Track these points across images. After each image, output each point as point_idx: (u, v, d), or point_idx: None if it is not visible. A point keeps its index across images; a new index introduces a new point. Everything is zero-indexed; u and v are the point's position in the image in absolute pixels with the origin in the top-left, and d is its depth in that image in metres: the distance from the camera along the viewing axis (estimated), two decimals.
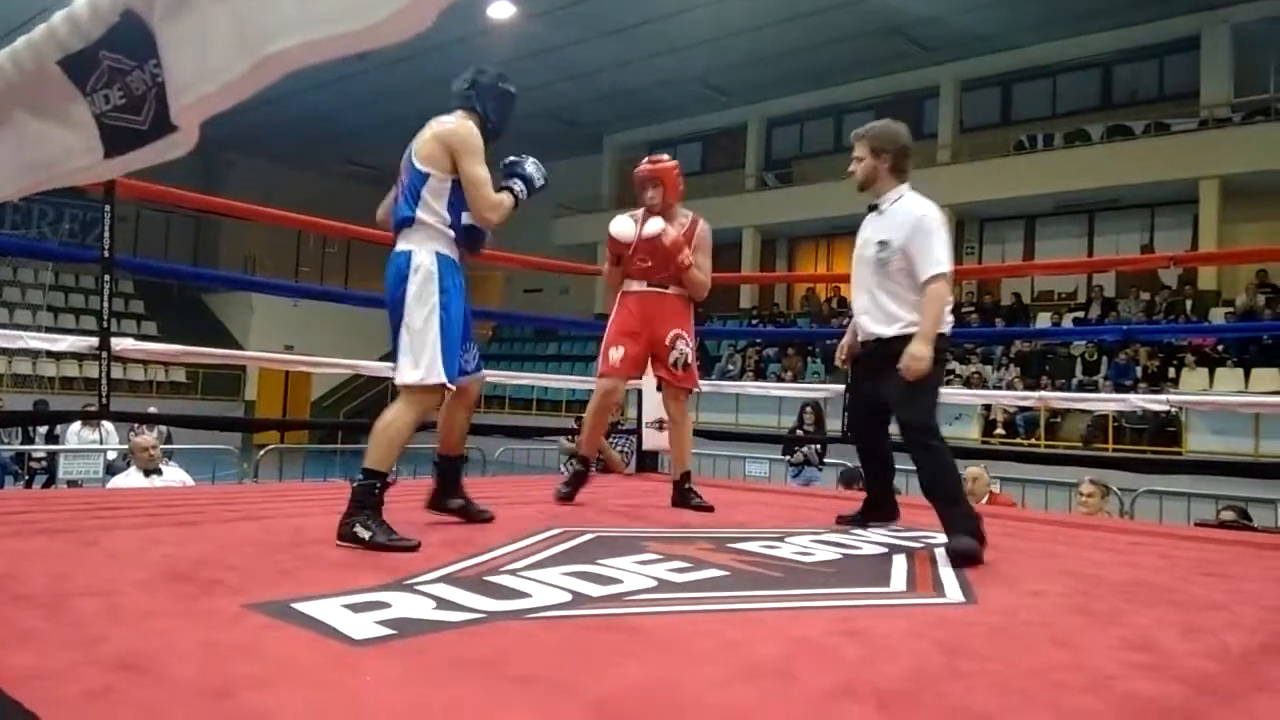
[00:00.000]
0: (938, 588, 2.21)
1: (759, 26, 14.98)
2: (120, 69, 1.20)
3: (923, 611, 2.00)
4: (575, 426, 6.53)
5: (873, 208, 3.01)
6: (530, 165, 2.84)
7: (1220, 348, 12.06)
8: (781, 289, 19.24)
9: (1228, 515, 5.79)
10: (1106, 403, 9.01)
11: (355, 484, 2.46)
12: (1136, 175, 14.03)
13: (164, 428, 8.47)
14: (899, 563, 2.51)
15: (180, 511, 3.11)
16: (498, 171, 2.76)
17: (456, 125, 2.69)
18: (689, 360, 3.75)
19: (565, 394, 16.91)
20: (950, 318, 2.93)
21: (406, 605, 1.74)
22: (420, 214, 2.63)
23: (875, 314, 2.94)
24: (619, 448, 6.19)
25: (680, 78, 17.60)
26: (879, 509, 3.26)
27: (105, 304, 3.61)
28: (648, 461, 5.50)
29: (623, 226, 3.75)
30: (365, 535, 2.36)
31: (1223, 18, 14.25)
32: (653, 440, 5.34)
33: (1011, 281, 16.03)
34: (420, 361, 2.55)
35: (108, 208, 3.55)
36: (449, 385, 2.60)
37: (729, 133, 20.46)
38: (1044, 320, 14.52)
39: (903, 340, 2.79)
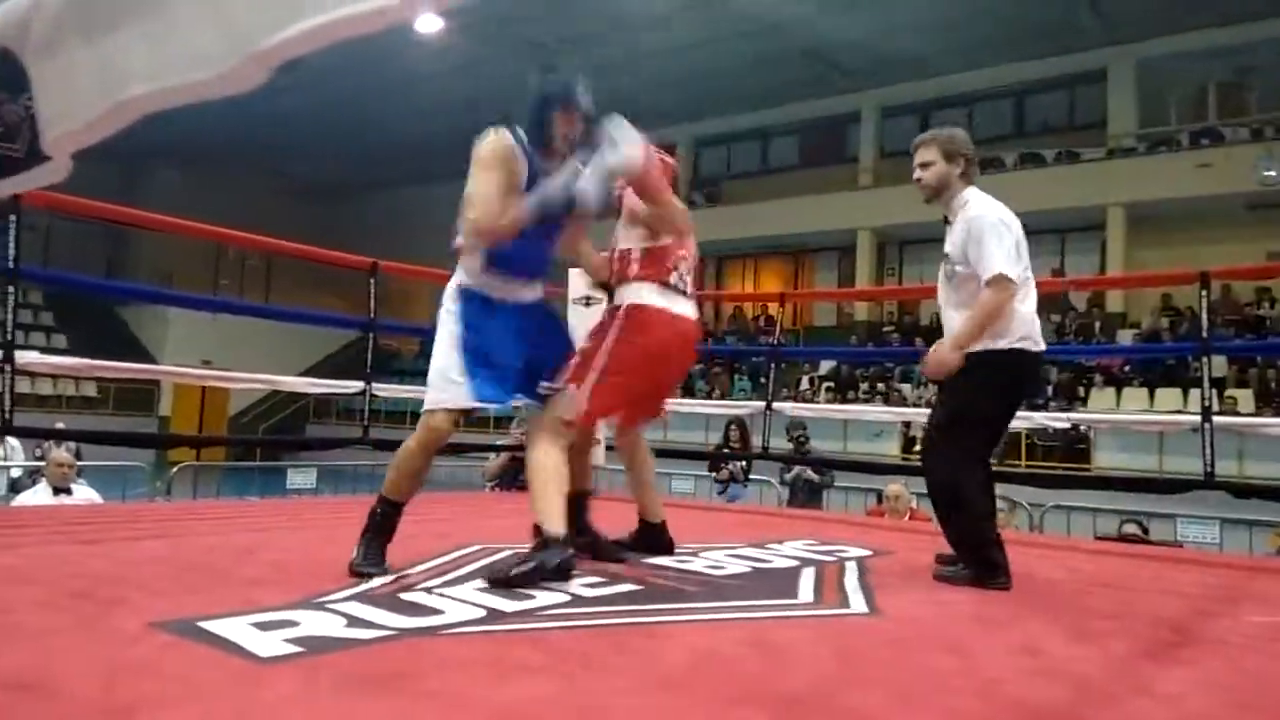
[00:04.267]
0: (843, 599, 2.28)
1: (688, 48, 15.21)
2: None
3: (827, 622, 2.07)
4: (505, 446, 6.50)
5: (946, 220, 2.77)
6: (577, 182, 2.45)
7: (1127, 368, 12.59)
8: (709, 306, 19.44)
9: (1129, 529, 6.06)
10: (1017, 420, 9.31)
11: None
12: (1047, 201, 14.58)
13: (73, 444, 8.17)
14: (808, 575, 2.58)
15: (86, 529, 3.03)
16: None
17: (480, 144, 2.48)
18: None
19: (493, 410, 16.75)
20: (1026, 332, 2.61)
21: (316, 623, 1.73)
22: (459, 241, 2.51)
23: (949, 332, 2.66)
24: None
25: (609, 97, 17.68)
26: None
27: (9, 316, 3.51)
28: None
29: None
30: (355, 558, 2.30)
31: (1130, 52, 14.96)
32: None
33: (931, 302, 16.42)
34: (436, 384, 2.43)
35: (12, 218, 3.45)
36: (454, 408, 2.41)
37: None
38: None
39: (970, 359, 2.55)
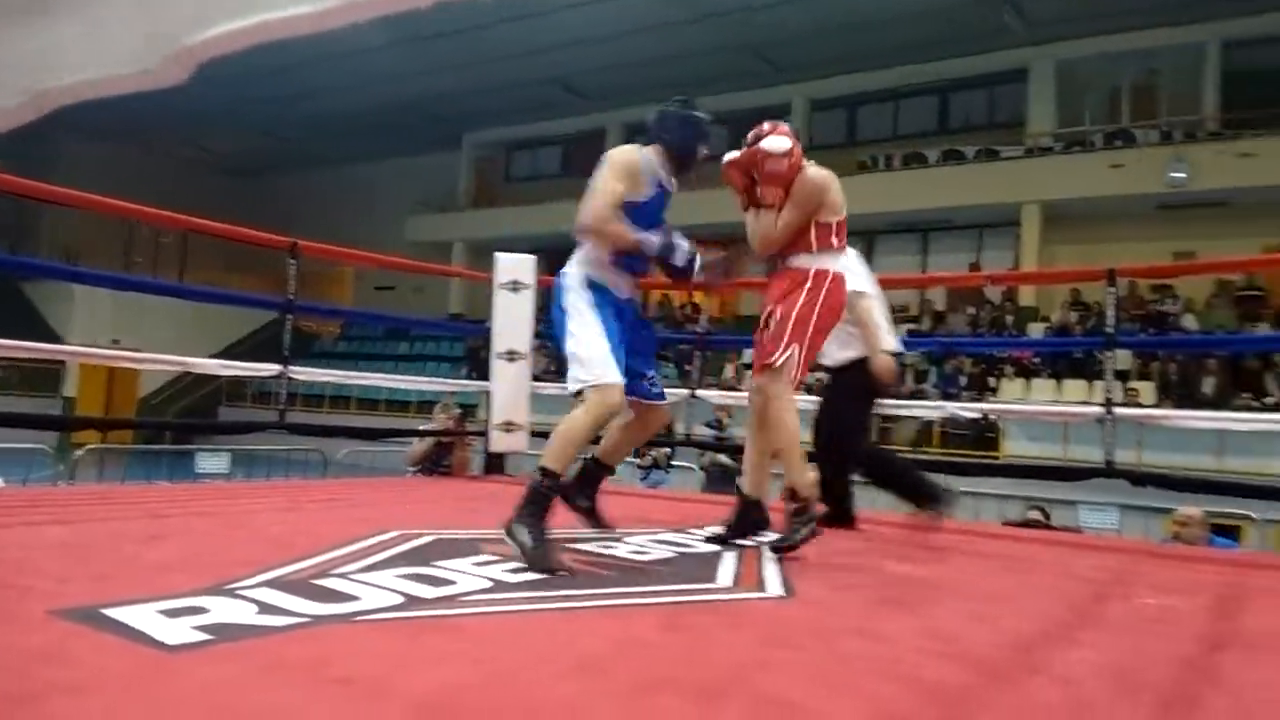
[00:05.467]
0: (760, 583, 2.33)
1: (620, 34, 15.18)
2: None
3: (744, 606, 2.11)
4: (429, 427, 6.43)
5: None
6: (682, 240, 2.78)
7: (1036, 360, 13.05)
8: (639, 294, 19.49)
9: (1032, 515, 6.29)
10: (930, 410, 9.58)
11: (530, 482, 2.46)
12: (967, 197, 15.01)
13: None
14: (728, 560, 2.63)
15: None
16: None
17: (619, 149, 2.78)
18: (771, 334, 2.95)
19: (414, 395, 16.57)
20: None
21: (226, 610, 1.70)
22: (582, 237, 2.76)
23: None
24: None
25: (541, 79, 17.61)
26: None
27: None
28: (495, 463, 5.49)
29: (733, 153, 3.09)
30: (525, 540, 2.31)
31: (1050, 53, 15.43)
32: (501, 442, 5.33)
33: None
34: (590, 363, 2.59)
35: None
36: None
37: (589, 137, 20.58)
38: None
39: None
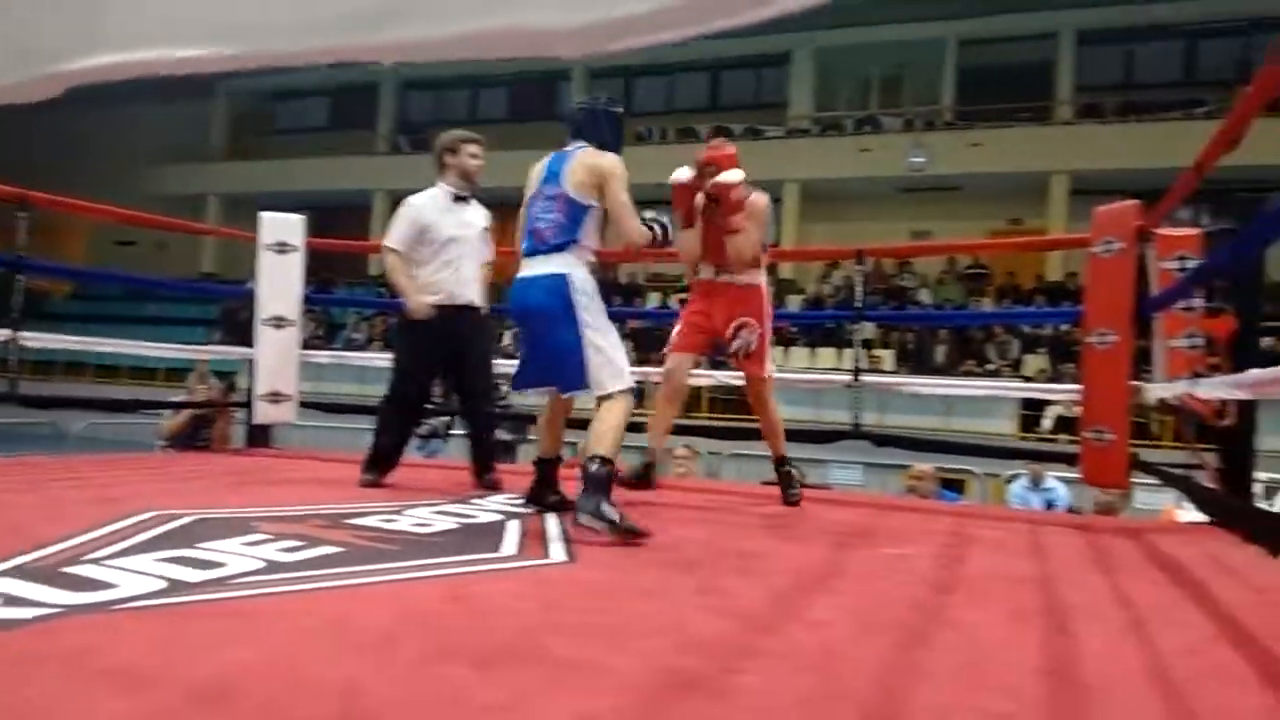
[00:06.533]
0: (545, 550, 2.39)
1: None
2: None
3: (529, 573, 2.16)
4: (185, 400, 6.00)
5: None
6: (665, 219, 3.12)
7: (794, 330, 13.97)
8: None
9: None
10: (700, 377, 10.06)
11: (592, 470, 2.67)
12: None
13: None
14: (512, 529, 2.67)
15: None
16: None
17: (603, 161, 2.97)
18: (752, 348, 3.58)
19: (164, 362, 15.28)
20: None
21: None
22: (583, 240, 2.95)
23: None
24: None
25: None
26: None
27: None
28: (259, 436, 5.21)
29: (683, 174, 3.51)
30: (612, 516, 2.56)
31: (810, 39, 16.42)
32: (267, 414, 5.07)
33: (631, 266, 17.23)
34: (621, 369, 2.88)
35: None
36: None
37: (360, 90, 19.67)
38: (654, 300, 15.80)
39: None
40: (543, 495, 3.18)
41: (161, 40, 0.91)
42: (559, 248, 2.93)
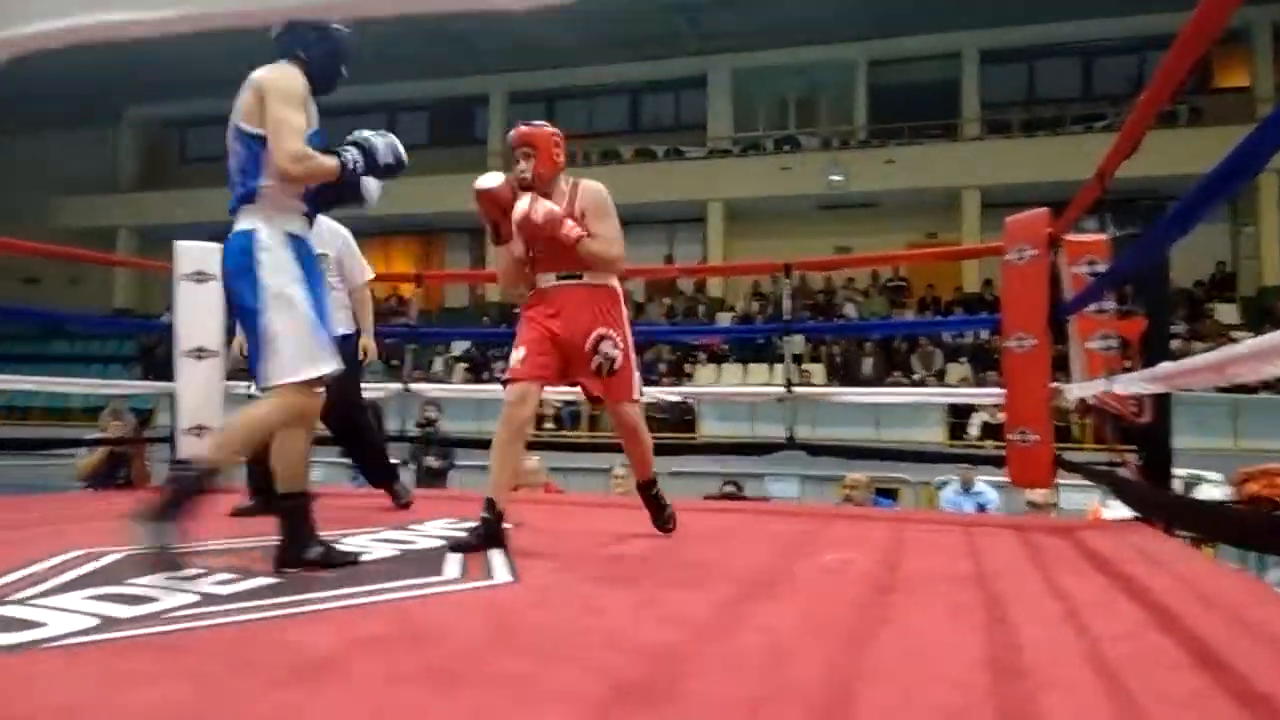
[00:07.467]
0: (487, 572, 2.36)
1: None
2: None
3: (474, 595, 2.13)
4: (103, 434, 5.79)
5: None
6: (379, 139, 2.44)
7: (725, 347, 14.12)
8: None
9: (728, 489, 6.83)
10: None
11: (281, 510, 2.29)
12: (658, 194, 15.88)
13: None
14: (454, 554, 2.63)
15: None
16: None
17: (271, 71, 2.32)
18: (616, 364, 2.96)
19: (78, 399, 14.69)
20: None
21: None
22: (266, 182, 2.28)
23: None
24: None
25: (212, 53, 16.17)
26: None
27: None
28: None
29: (489, 180, 2.94)
30: (318, 555, 2.27)
31: (725, 62, 16.71)
32: (191, 448, 4.91)
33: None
34: (297, 355, 2.22)
35: None
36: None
37: None
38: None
39: None
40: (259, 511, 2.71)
41: (93, 3, 0.88)
42: (246, 198, 2.32)
